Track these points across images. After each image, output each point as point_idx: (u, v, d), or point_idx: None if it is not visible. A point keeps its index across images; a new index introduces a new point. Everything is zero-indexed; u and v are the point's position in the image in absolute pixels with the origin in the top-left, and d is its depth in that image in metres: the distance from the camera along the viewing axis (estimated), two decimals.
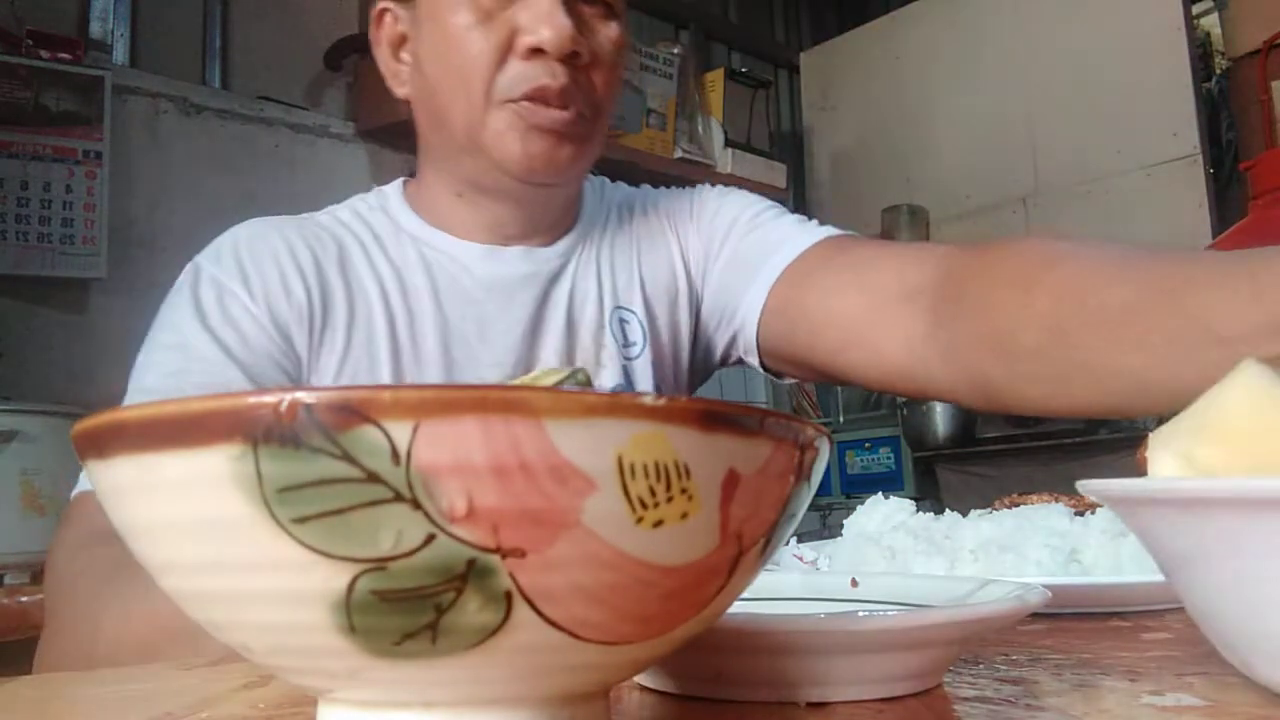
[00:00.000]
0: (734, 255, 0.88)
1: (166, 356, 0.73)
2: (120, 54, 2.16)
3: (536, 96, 0.73)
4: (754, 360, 0.88)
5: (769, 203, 0.92)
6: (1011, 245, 0.69)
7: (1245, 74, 2.70)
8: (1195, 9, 2.95)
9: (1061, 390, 0.61)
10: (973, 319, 0.67)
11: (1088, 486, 0.36)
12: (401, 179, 0.90)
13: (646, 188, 0.99)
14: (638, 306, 0.88)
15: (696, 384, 0.95)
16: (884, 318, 0.74)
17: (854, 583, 0.44)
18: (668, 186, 0.99)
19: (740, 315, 0.86)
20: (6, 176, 1.92)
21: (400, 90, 0.83)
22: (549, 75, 0.73)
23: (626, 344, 0.87)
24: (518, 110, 0.74)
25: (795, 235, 0.84)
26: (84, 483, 0.71)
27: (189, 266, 0.79)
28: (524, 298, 0.83)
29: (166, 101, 2.20)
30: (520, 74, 0.74)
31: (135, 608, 0.58)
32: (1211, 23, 3.05)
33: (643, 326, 0.88)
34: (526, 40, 0.73)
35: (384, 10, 0.82)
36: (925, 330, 0.71)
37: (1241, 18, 2.69)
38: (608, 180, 0.98)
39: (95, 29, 2.13)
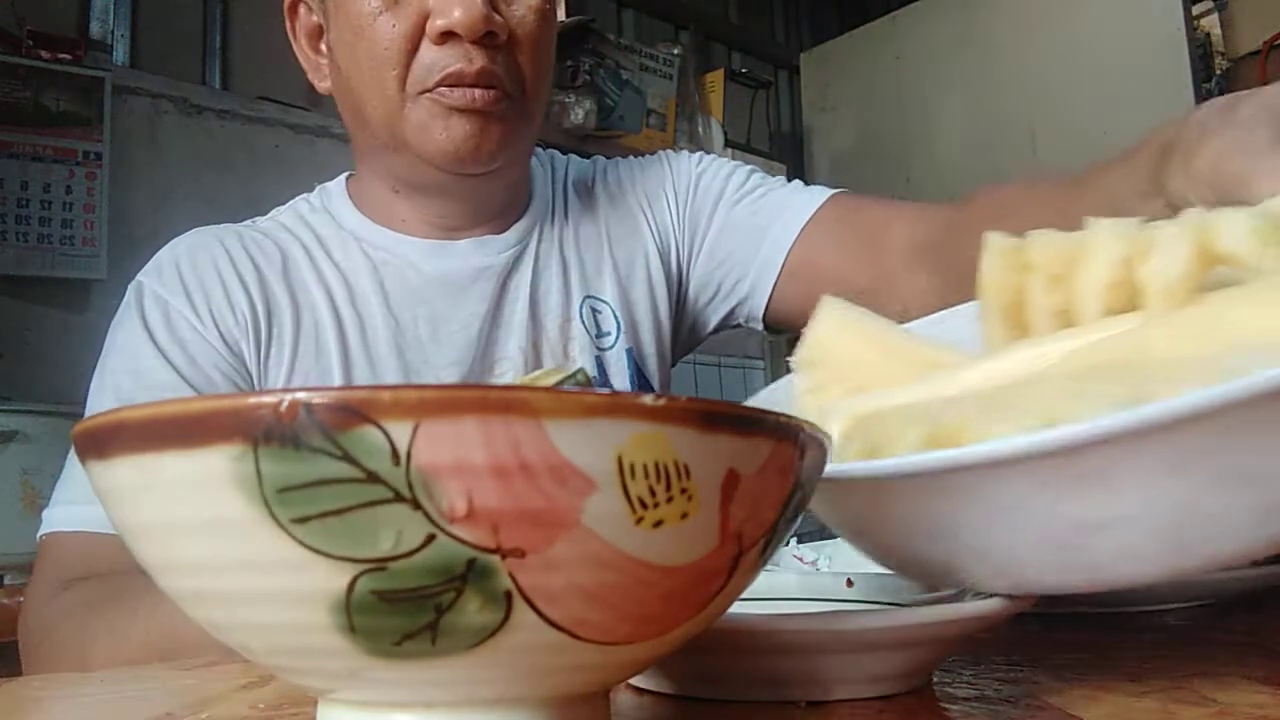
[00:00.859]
0: (728, 223, 0.85)
1: (120, 381, 0.71)
2: (120, 54, 2.17)
3: (453, 81, 0.68)
4: (757, 325, 0.86)
5: (749, 167, 0.90)
6: (986, 196, 0.73)
7: (1245, 74, 2.71)
8: (1195, 9, 2.95)
9: None
10: (956, 267, 0.69)
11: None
12: (345, 174, 0.86)
13: (600, 159, 0.94)
14: (609, 294, 0.84)
15: (679, 357, 0.92)
16: (897, 277, 0.76)
17: (849, 583, 0.44)
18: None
19: (749, 282, 0.84)
20: (6, 177, 1.92)
21: (322, 85, 0.78)
22: (464, 59, 0.68)
23: (599, 334, 0.83)
24: (435, 97, 0.69)
25: (796, 198, 0.83)
26: (50, 521, 0.69)
27: (132, 285, 0.76)
28: (478, 292, 0.79)
29: (166, 102, 2.20)
30: (433, 60, 0.68)
31: (126, 634, 0.58)
32: (1211, 23, 3.05)
33: (616, 316, 0.84)
34: (437, 24, 0.67)
35: (296, 2, 0.79)
36: (932, 287, 0.72)
37: (1241, 18, 2.70)
38: (557, 154, 0.92)
39: (95, 29, 2.13)
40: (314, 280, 0.77)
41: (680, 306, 0.89)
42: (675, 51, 3.01)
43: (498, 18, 0.69)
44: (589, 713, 0.26)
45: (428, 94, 0.69)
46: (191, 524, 0.21)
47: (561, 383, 0.27)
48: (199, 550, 0.22)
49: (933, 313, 0.71)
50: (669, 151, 0.93)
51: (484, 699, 0.23)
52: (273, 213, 0.84)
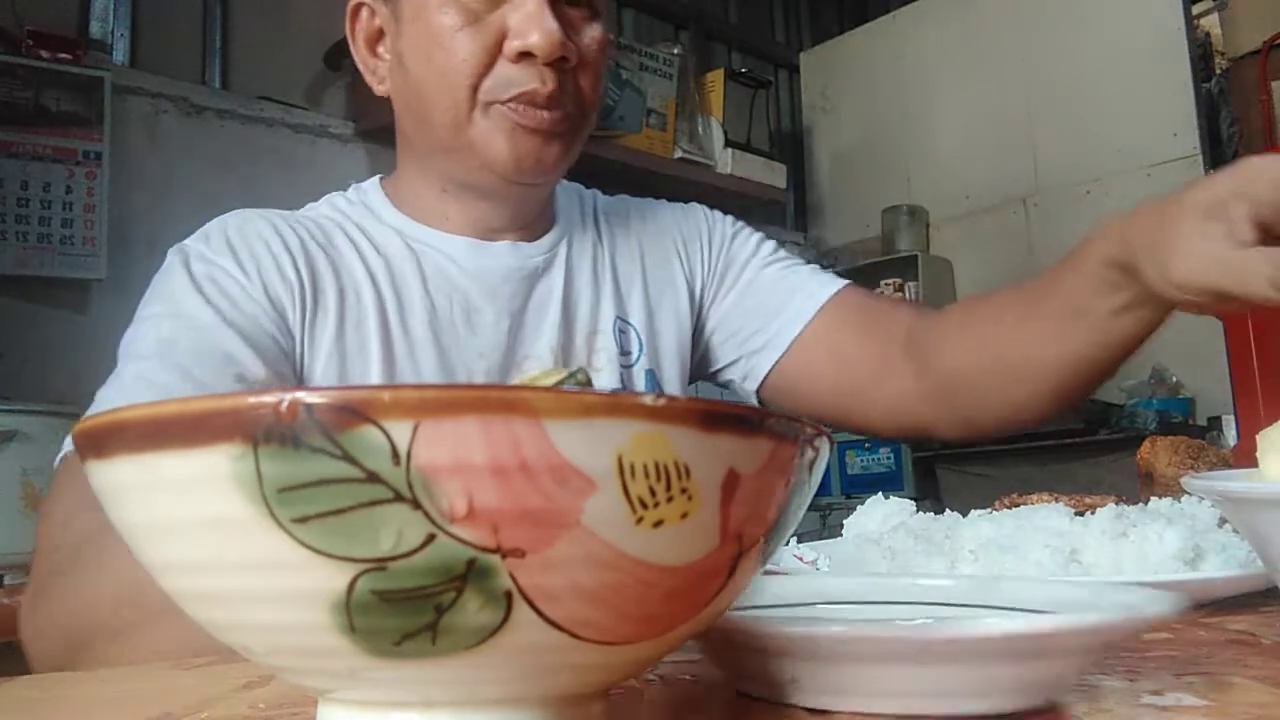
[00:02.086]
0: (757, 281, 0.93)
1: (161, 325, 0.72)
2: (120, 54, 2.16)
3: (526, 100, 0.74)
4: (750, 386, 0.92)
5: (773, 244, 0.98)
6: (961, 305, 0.91)
7: (1245, 74, 2.71)
8: (1195, 9, 2.96)
9: (1006, 400, 0.80)
10: (934, 367, 0.83)
11: (1194, 484, 0.39)
12: (378, 177, 0.89)
13: (631, 199, 0.99)
14: (638, 320, 0.90)
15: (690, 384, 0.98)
16: (894, 367, 0.85)
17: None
18: (668, 188, 1.01)
19: (764, 338, 0.90)
20: (6, 176, 1.92)
21: (379, 87, 0.82)
22: (538, 80, 0.73)
23: (624, 353, 0.88)
24: (505, 112, 0.74)
25: (818, 278, 0.92)
26: (69, 444, 0.69)
27: (174, 249, 0.77)
28: (509, 290, 0.83)
29: (167, 101, 2.20)
30: (508, 77, 0.74)
31: (119, 576, 0.56)
32: (1211, 23, 3.05)
33: (640, 340, 0.89)
34: (515, 45, 0.73)
35: (360, 5, 0.81)
36: (916, 387, 0.84)
37: (1241, 18, 2.70)
38: (581, 186, 0.98)
39: (95, 29, 2.13)
40: (356, 259, 0.81)
41: (697, 338, 0.94)
42: (675, 51, 3.01)
43: (570, 45, 0.74)
44: (589, 713, 0.26)
45: (499, 105, 0.74)
46: (192, 524, 0.21)
47: (561, 383, 0.27)
48: (199, 550, 0.22)
49: (907, 419, 0.86)
50: (711, 210, 0.99)
51: (484, 699, 0.23)
52: (306, 207, 0.86)
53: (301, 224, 0.81)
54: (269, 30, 2.41)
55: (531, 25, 0.72)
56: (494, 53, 0.74)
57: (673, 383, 0.91)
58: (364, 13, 0.81)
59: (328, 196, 0.88)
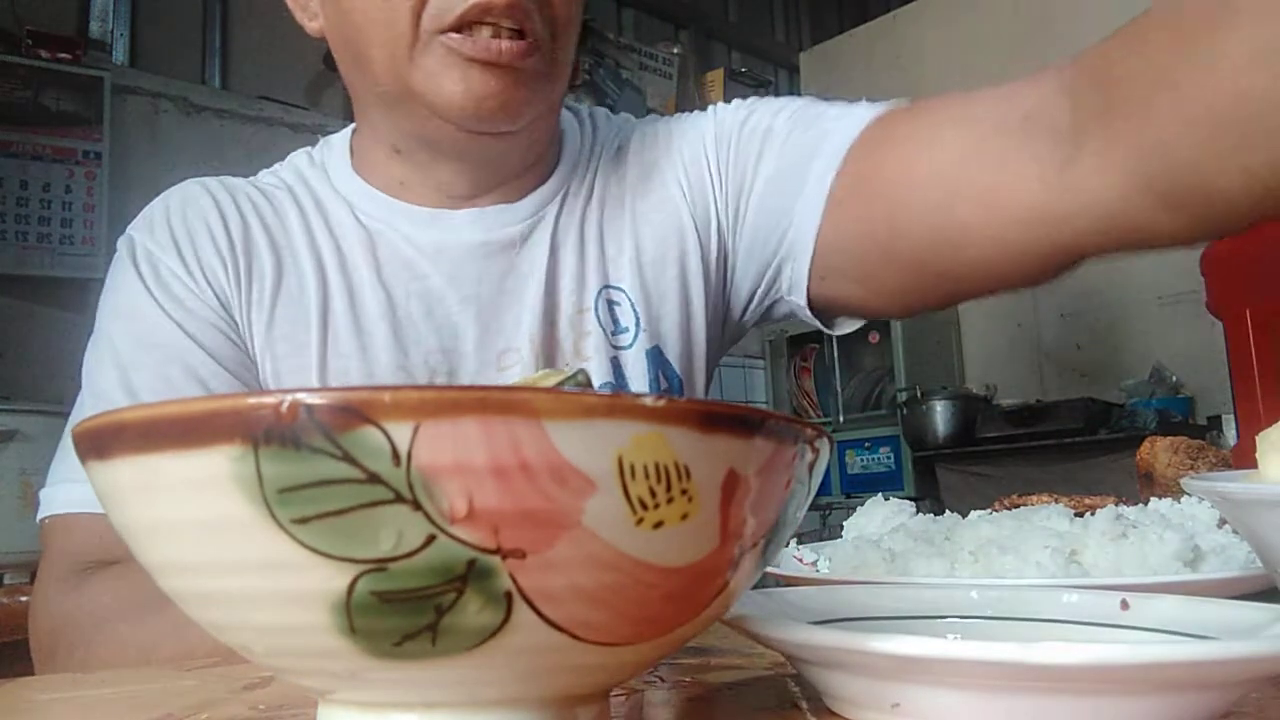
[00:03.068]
0: (775, 172, 0.70)
1: (119, 346, 0.68)
2: (120, 54, 2.17)
3: (475, 19, 0.58)
4: (800, 298, 0.70)
5: (807, 98, 0.74)
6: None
7: None
8: None
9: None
10: (1133, 115, 0.49)
11: (1193, 485, 0.37)
12: (351, 126, 0.76)
13: (653, 116, 0.81)
14: (628, 283, 0.72)
15: (721, 352, 0.78)
16: (1000, 149, 0.57)
17: (1124, 605, 0.36)
18: None
19: (790, 234, 0.68)
20: (6, 176, 1.92)
21: (311, 25, 0.69)
22: None
23: (616, 330, 0.72)
24: (451, 43, 0.59)
25: (848, 115, 0.68)
26: (51, 502, 0.67)
27: (123, 239, 0.72)
28: (475, 271, 0.70)
29: (166, 101, 2.20)
30: None
31: (163, 647, 0.55)
32: None
33: (635, 309, 0.72)
34: None
35: None
36: (1061, 150, 0.53)
37: None
38: (602, 111, 0.80)
39: (95, 29, 2.14)
40: (305, 243, 0.71)
41: (724, 292, 0.75)
42: (675, 51, 3.01)
43: None
44: (589, 713, 0.26)
45: (443, 36, 0.59)
46: (192, 525, 0.21)
47: (562, 383, 0.27)
48: (199, 551, 0.22)
49: (1061, 183, 0.51)
50: (720, 104, 0.77)
51: (484, 699, 0.23)
52: (275, 166, 0.78)
53: (251, 199, 0.72)
54: (269, 30, 2.41)
55: None
56: None
57: (679, 360, 0.73)
58: None
59: (294, 154, 0.77)
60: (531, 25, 0.60)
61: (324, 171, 0.75)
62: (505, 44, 0.59)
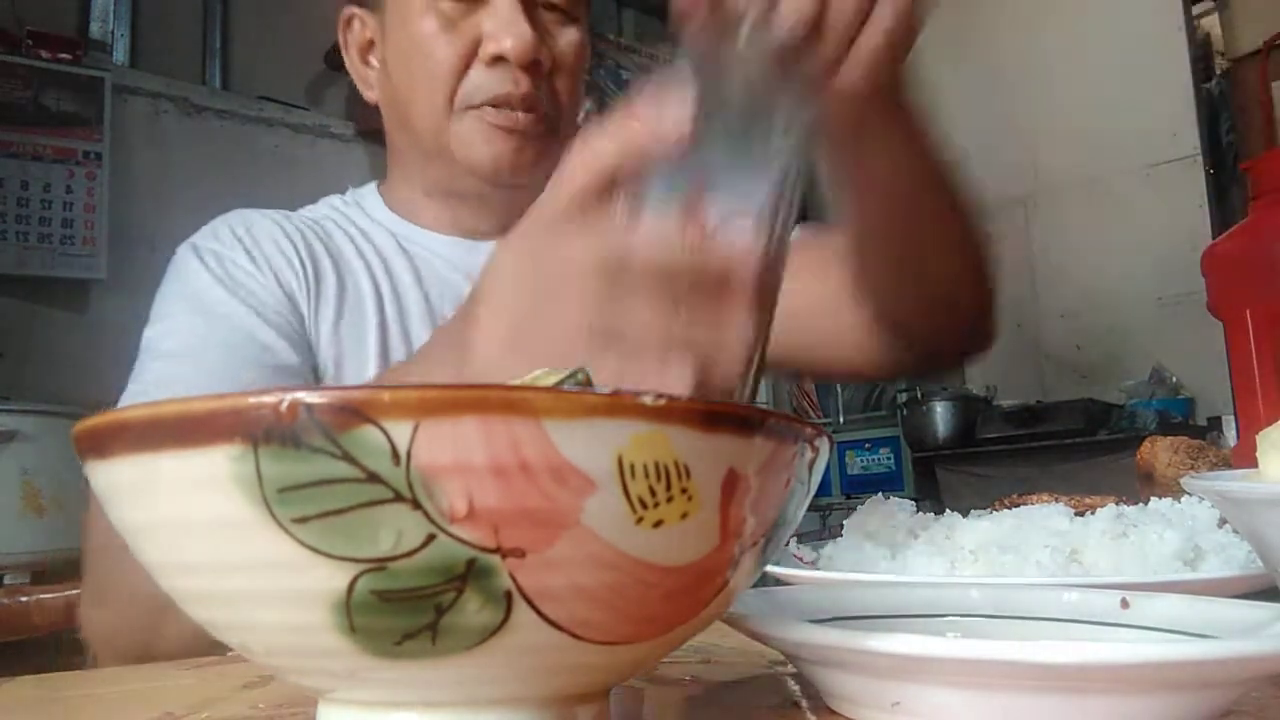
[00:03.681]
0: None
1: (187, 322, 0.73)
2: (120, 54, 2.17)
3: (500, 103, 0.75)
4: None
5: None
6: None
7: (1245, 74, 2.70)
8: (1195, 9, 2.96)
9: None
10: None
11: (1193, 485, 0.37)
12: (374, 182, 0.91)
13: None
14: None
15: None
16: (843, 307, 0.76)
17: (1125, 604, 0.36)
18: None
19: None
20: (6, 176, 1.92)
21: (369, 94, 0.85)
22: (511, 83, 0.75)
23: None
24: (481, 115, 0.76)
25: None
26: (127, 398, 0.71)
27: (185, 246, 0.79)
28: None
29: (166, 102, 2.20)
30: (483, 81, 0.75)
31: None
32: (1211, 23, 3.05)
33: None
34: (490, 48, 0.74)
35: (352, 16, 0.84)
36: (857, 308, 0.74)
37: (1241, 18, 2.70)
38: None
39: (95, 29, 2.14)
40: (360, 264, 0.82)
41: None
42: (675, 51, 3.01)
43: (544, 49, 0.76)
44: (589, 713, 0.26)
45: (474, 110, 0.76)
46: (192, 524, 0.21)
47: (562, 383, 0.27)
48: (199, 550, 0.22)
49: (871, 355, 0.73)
50: None
51: (484, 699, 0.23)
52: (303, 209, 0.88)
53: (300, 220, 0.83)
54: (269, 30, 2.41)
55: (505, 29, 0.74)
56: (469, 58, 0.75)
57: None
58: (355, 23, 0.85)
59: (324, 199, 0.90)
60: (540, 104, 0.76)
61: (360, 209, 0.87)
62: (521, 116, 0.75)
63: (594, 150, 0.40)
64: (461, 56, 0.75)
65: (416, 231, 0.84)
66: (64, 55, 1.99)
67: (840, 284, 0.74)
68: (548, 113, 0.77)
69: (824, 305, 0.77)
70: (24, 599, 1.07)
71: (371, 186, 0.90)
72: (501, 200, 0.81)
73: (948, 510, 0.62)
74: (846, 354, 0.78)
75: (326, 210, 0.87)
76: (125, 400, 0.70)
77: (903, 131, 0.61)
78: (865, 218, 0.66)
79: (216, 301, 0.73)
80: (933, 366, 0.83)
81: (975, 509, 0.61)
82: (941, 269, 0.68)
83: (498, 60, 0.74)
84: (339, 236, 0.83)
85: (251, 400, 0.20)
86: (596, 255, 0.38)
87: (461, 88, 0.75)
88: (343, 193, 0.90)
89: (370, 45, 0.84)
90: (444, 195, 0.83)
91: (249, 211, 0.83)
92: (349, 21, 0.85)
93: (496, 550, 0.20)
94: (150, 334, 0.73)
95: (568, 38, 0.79)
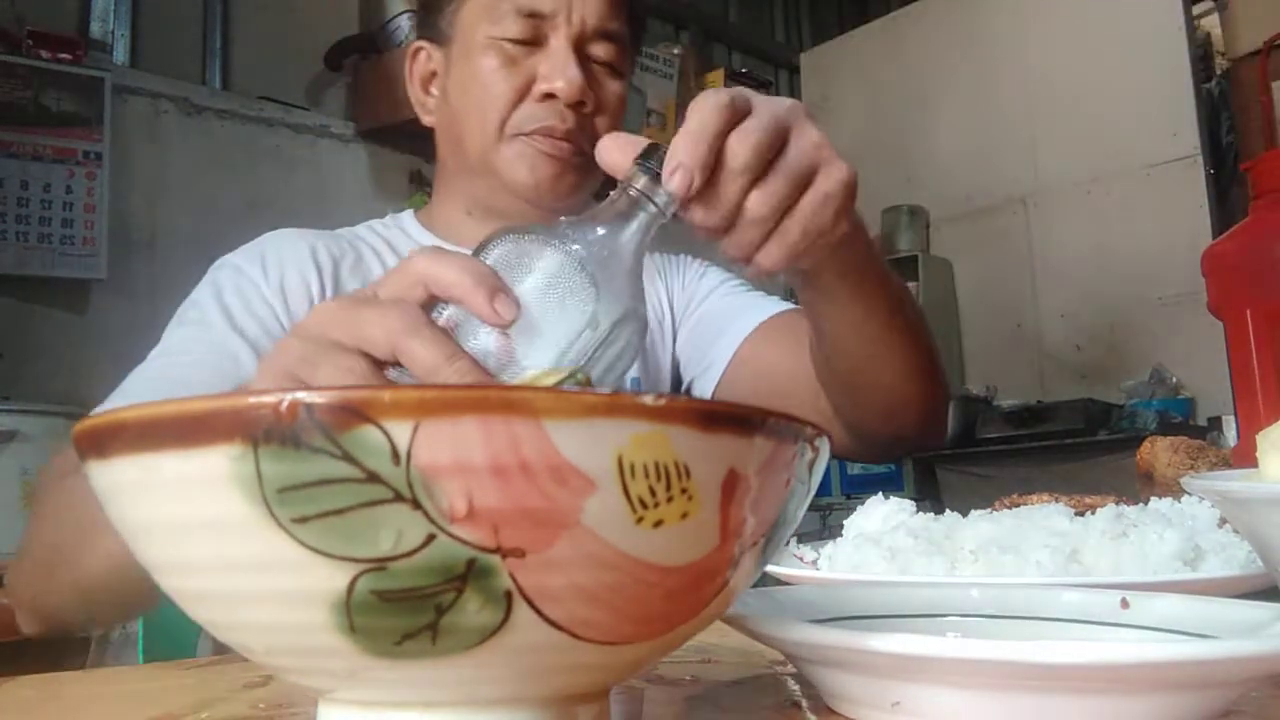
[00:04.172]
0: (707, 312, 1.01)
1: (175, 330, 0.80)
2: (120, 54, 2.16)
3: (545, 133, 0.85)
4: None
5: (738, 279, 1.06)
6: None
7: (1245, 74, 2.70)
8: (1195, 9, 2.96)
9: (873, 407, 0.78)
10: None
11: (1194, 485, 0.37)
12: (412, 210, 1.00)
13: None
14: None
15: None
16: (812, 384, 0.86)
17: (1125, 604, 0.37)
18: None
19: (706, 363, 0.96)
20: (6, 176, 1.92)
21: (427, 119, 0.94)
22: (558, 118, 0.84)
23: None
24: (528, 141, 0.85)
25: (757, 304, 0.97)
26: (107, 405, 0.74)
27: (216, 263, 0.87)
28: None
29: (167, 102, 2.20)
30: (533, 114, 0.85)
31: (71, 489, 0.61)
32: (1211, 23, 3.05)
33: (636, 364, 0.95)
34: (542, 87, 0.84)
35: (419, 49, 0.93)
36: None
37: (1241, 18, 2.69)
38: None
39: (95, 29, 2.13)
40: (381, 270, 0.87)
41: (674, 368, 1.03)
42: (675, 51, 3.01)
43: (590, 93, 0.85)
44: (589, 713, 0.26)
45: (522, 137, 0.85)
46: (191, 524, 0.21)
47: (561, 383, 0.27)
48: (199, 550, 0.22)
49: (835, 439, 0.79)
50: (689, 255, 1.08)
51: (484, 699, 0.23)
52: (340, 230, 0.95)
53: (337, 243, 0.90)
54: (269, 30, 2.41)
55: (558, 71, 0.84)
56: (523, 93, 0.85)
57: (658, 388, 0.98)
58: (422, 55, 0.93)
59: (365, 222, 0.97)
60: (579, 139, 0.85)
61: (399, 230, 0.95)
62: (563, 145, 0.85)
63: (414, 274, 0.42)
64: (517, 90, 0.84)
65: (453, 248, 0.88)
66: (64, 55, 1.99)
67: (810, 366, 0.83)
68: (584, 148, 0.85)
69: (796, 376, 0.84)
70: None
71: (410, 213, 0.99)
72: (537, 221, 0.87)
73: (948, 510, 0.62)
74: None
75: (365, 231, 0.95)
76: (105, 404, 0.74)
77: (849, 285, 0.65)
78: (821, 342, 0.73)
79: (204, 311, 0.80)
80: (883, 457, 0.92)
81: (975, 509, 0.61)
82: (894, 380, 0.74)
83: (548, 97, 0.84)
84: (372, 261, 0.90)
85: (251, 400, 0.20)
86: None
87: (513, 117, 0.85)
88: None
89: (433, 76, 0.92)
90: (484, 213, 0.90)
91: (290, 231, 0.90)
92: (416, 53, 0.94)
93: (496, 550, 0.20)
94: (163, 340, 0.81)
95: (611, 88, 0.89)
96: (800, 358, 0.86)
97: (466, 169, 0.89)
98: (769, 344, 0.92)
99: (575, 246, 0.45)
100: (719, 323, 0.98)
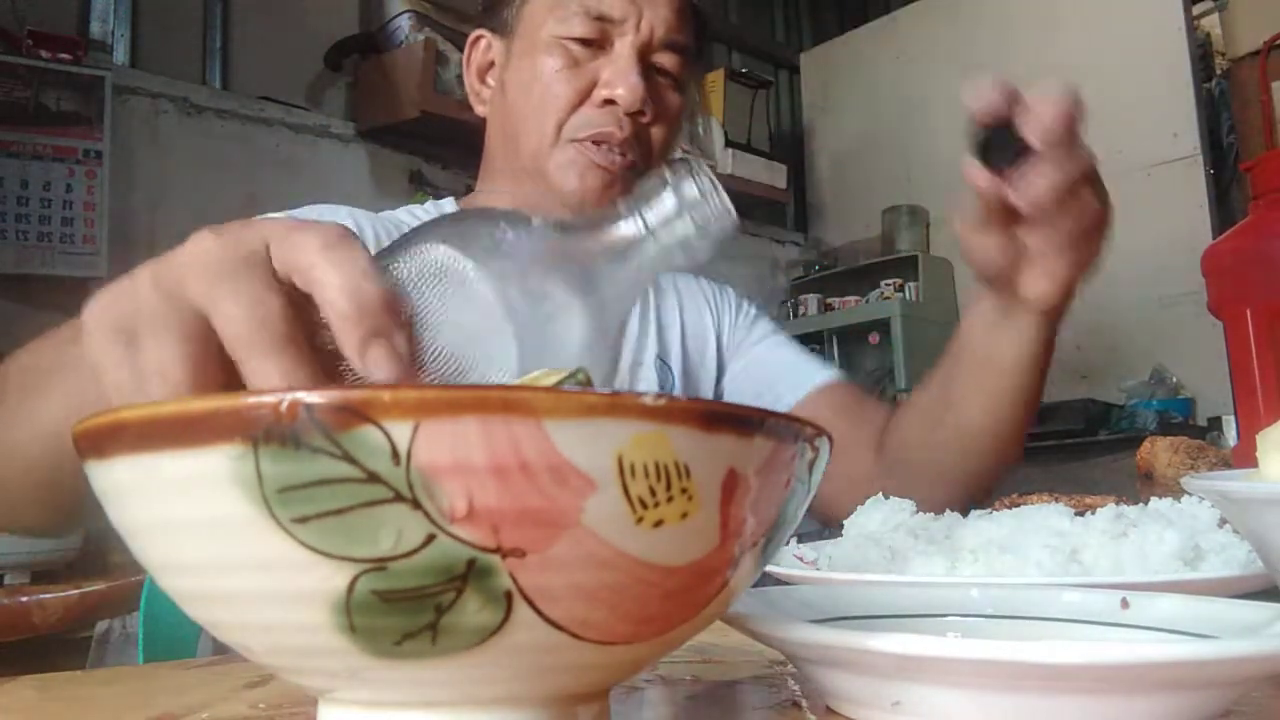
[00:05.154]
0: (757, 359, 1.01)
1: None
2: (120, 54, 2.16)
3: (601, 140, 0.84)
4: None
5: (783, 333, 1.07)
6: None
7: (1245, 74, 2.70)
8: (1195, 9, 2.95)
9: (944, 468, 0.80)
10: (887, 446, 0.86)
11: (1194, 485, 0.37)
12: (454, 198, 1.00)
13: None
14: (676, 362, 0.95)
15: None
16: (860, 455, 0.88)
17: (1125, 604, 0.37)
18: None
19: (763, 402, 0.95)
20: (6, 176, 1.92)
21: (480, 109, 0.94)
22: (616, 124, 0.84)
23: (665, 388, 0.95)
24: (582, 149, 0.84)
25: (812, 364, 0.99)
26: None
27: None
28: None
29: (167, 101, 2.20)
30: (591, 119, 0.84)
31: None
32: (1211, 23, 3.05)
33: (675, 384, 0.95)
34: (603, 92, 0.84)
35: (479, 37, 0.93)
36: (875, 460, 0.87)
37: (1241, 18, 2.69)
38: None
39: (95, 29, 2.13)
40: None
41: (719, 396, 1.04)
42: None
43: (649, 102, 0.85)
44: (589, 713, 0.26)
45: (577, 143, 0.84)
46: (191, 524, 0.21)
47: (561, 382, 0.27)
48: (199, 550, 0.22)
49: (860, 495, 0.77)
50: (735, 289, 1.09)
51: (484, 699, 0.23)
52: (383, 213, 0.94)
53: (382, 224, 0.89)
54: (269, 30, 2.41)
55: (620, 79, 0.83)
56: (584, 96, 0.84)
57: None
58: (481, 44, 0.93)
59: (404, 207, 0.97)
60: (634, 149, 0.86)
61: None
62: (617, 158, 0.85)
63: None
64: (578, 93, 0.84)
65: None
66: (64, 55, 1.99)
67: (866, 440, 0.85)
68: (636, 160, 0.86)
69: (859, 442, 0.86)
70: (24, 599, 1.07)
71: (452, 200, 0.99)
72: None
73: (948, 510, 0.62)
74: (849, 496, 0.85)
75: (405, 215, 0.94)
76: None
77: (1045, 334, 0.72)
78: (960, 387, 0.75)
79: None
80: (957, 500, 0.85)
81: (975, 509, 0.61)
82: (997, 426, 0.75)
83: (608, 103, 0.84)
84: None
85: (251, 400, 0.20)
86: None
87: (571, 120, 0.84)
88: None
89: (490, 66, 0.92)
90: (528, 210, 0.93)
91: (335, 207, 0.88)
92: (475, 41, 0.94)
93: (496, 550, 0.20)
94: None
95: (671, 100, 0.89)
96: (858, 427, 0.88)
97: (516, 166, 0.89)
98: (829, 407, 0.93)
99: (516, 292, 0.33)
100: (774, 369, 0.99)
